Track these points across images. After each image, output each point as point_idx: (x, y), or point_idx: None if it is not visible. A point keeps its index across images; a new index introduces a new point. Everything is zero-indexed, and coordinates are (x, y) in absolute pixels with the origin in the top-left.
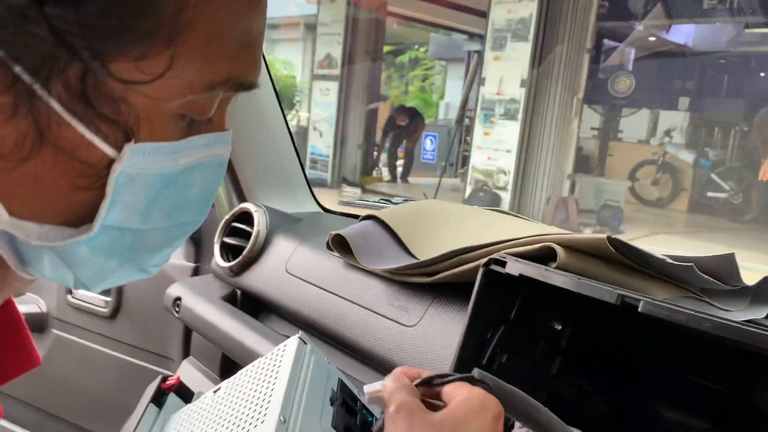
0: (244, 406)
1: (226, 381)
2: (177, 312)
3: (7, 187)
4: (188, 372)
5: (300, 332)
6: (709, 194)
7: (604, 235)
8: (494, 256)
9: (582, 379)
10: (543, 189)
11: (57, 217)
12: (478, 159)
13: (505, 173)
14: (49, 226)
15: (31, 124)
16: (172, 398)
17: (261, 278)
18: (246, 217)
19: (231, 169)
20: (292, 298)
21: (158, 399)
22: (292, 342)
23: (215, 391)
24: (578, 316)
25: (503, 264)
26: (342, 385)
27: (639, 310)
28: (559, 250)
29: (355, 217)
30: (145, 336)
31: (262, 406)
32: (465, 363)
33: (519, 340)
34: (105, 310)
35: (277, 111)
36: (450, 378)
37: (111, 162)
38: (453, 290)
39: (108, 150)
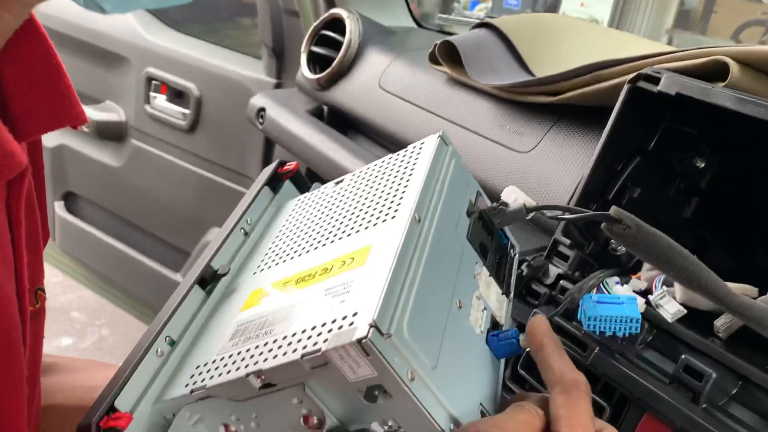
0: (372, 200)
1: (349, 174)
2: (261, 123)
3: None
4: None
5: (441, 130)
6: None
7: None
8: (645, 71)
9: (709, 229)
10: None
11: None
12: (569, 5)
13: (597, 23)
14: None
15: None
16: (288, 187)
17: (351, 93)
18: (336, 25)
19: None
20: (385, 116)
21: (273, 183)
22: (432, 139)
23: (338, 183)
24: (726, 154)
25: (656, 81)
26: (481, 200)
27: None
28: (732, 65)
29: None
30: (224, 152)
31: (393, 201)
32: (589, 196)
33: (653, 175)
34: (183, 122)
35: None
36: (581, 215)
37: None
38: (579, 113)
39: None
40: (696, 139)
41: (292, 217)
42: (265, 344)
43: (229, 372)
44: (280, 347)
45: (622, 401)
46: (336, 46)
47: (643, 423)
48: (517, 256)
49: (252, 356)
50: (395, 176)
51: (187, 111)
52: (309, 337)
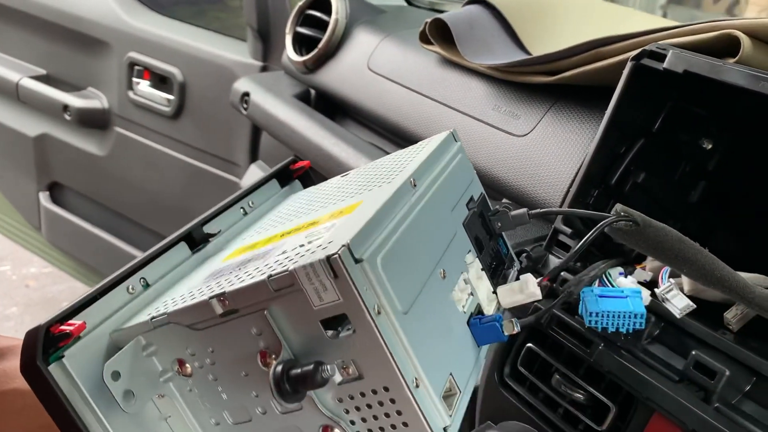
0: (373, 177)
1: (355, 169)
2: (245, 109)
3: None
4: (257, 176)
5: (453, 129)
6: None
7: None
8: (649, 47)
9: (715, 213)
10: None
11: None
12: None
13: None
14: None
15: None
16: (296, 185)
17: (338, 75)
18: (322, 5)
19: None
20: (375, 100)
21: (283, 177)
22: (442, 134)
23: (343, 176)
24: (734, 135)
25: (661, 57)
26: (484, 201)
27: None
28: (744, 39)
29: None
30: (210, 138)
31: (392, 174)
32: (591, 181)
33: (658, 158)
34: (168, 108)
35: None
36: (586, 213)
37: None
38: (579, 94)
39: None
40: (704, 119)
41: (294, 201)
42: (237, 276)
43: (193, 299)
44: (249, 275)
45: (628, 400)
46: (323, 26)
47: (651, 424)
48: (514, 270)
49: (219, 284)
50: (399, 161)
51: (171, 97)
52: (279, 263)
